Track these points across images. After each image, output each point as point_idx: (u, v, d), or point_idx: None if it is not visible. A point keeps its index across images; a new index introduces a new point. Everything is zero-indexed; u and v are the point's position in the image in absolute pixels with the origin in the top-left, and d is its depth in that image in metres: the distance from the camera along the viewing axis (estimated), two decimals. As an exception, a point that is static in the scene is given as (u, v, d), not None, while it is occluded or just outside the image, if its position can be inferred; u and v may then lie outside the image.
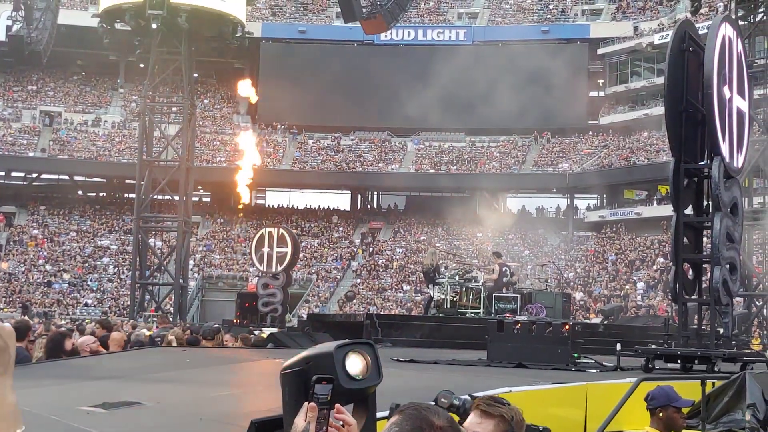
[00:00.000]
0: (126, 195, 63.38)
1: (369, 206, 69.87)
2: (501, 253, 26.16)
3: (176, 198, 44.69)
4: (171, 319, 40.20)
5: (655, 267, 51.64)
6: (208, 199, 68.51)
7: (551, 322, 13.40)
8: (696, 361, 10.96)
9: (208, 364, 11.51)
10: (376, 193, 70.11)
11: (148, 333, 19.22)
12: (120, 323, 25.40)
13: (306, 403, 2.70)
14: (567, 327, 12.91)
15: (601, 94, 67.62)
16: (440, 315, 22.18)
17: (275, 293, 40.60)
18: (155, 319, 34.31)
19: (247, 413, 7.10)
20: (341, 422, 2.70)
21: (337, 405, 2.72)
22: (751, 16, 34.23)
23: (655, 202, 57.70)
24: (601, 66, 66.01)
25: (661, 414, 6.78)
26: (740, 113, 12.04)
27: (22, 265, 57.76)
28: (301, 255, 50.32)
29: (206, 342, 15.59)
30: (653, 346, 11.82)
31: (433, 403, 2.67)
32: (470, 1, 72.45)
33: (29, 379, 9.60)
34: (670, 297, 13.37)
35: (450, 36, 67.96)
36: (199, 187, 61.32)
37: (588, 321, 33.29)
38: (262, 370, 9.89)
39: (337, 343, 3.00)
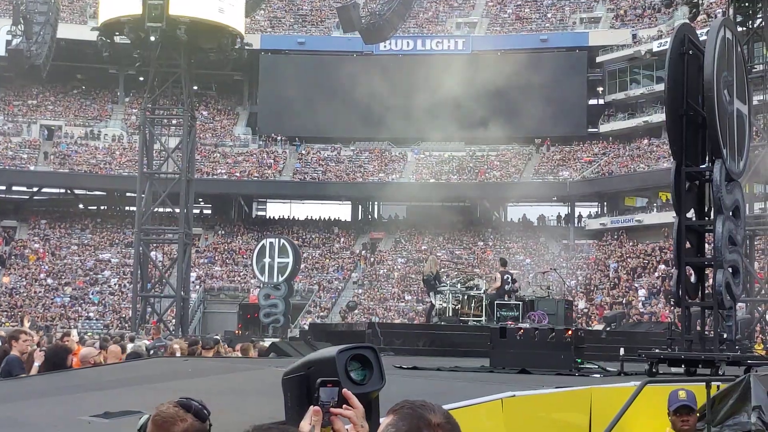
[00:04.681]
0: (127, 208, 63.37)
1: (370, 216, 69.83)
2: (506, 261, 26.08)
3: (177, 210, 44.63)
4: (171, 330, 40.17)
5: (656, 274, 51.55)
6: (209, 211, 68.52)
7: (554, 328, 13.35)
8: (700, 365, 10.91)
9: (209, 373, 11.46)
10: (376, 203, 70.06)
11: (145, 343, 19.21)
12: (119, 337, 25.37)
13: (311, 407, 2.65)
14: (570, 332, 12.86)
15: (601, 101, 67.64)
16: (442, 323, 22.10)
17: (277, 304, 40.64)
18: (151, 331, 34.23)
19: (250, 420, 7.04)
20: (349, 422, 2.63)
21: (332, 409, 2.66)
22: (750, 22, 34.28)
23: (656, 209, 57.65)
24: (600, 74, 66.01)
25: (670, 418, 6.81)
26: (740, 116, 12.01)
27: (23, 279, 57.70)
28: (302, 266, 50.30)
29: (205, 352, 15.66)
30: (657, 351, 11.76)
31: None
32: (469, 10, 72.55)
33: (30, 389, 9.57)
34: (673, 302, 13.32)
35: (449, 45, 68.03)
36: (200, 199, 61.33)
37: (590, 328, 33.19)
38: (264, 378, 9.84)
39: (339, 347, 2.96)
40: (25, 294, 56.12)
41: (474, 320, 22.16)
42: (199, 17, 44.97)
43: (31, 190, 66.67)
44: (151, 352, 17.50)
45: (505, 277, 23.06)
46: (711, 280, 11.76)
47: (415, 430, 2.45)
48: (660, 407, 7.92)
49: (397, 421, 2.48)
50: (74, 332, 21.51)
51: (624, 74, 64.68)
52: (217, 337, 21.76)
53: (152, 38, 43.27)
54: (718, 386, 8.52)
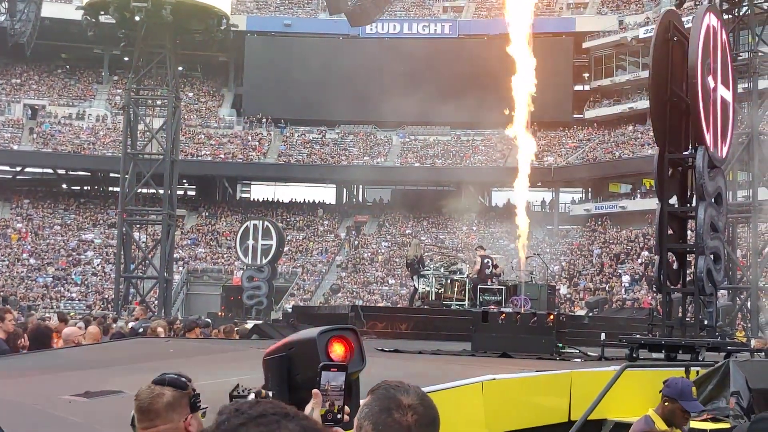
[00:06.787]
0: (110, 188, 63.16)
1: (354, 200, 69.81)
2: (484, 246, 26.13)
3: (161, 191, 44.47)
4: (154, 311, 40.08)
5: (639, 260, 51.72)
6: (193, 193, 68.36)
7: (536, 313, 13.39)
8: (680, 351, 10.97)
9: (191, 353, 11.46)
10: (361, 186, 70.01)
11: (130, 325, 19.16)
12: (102, 317, 25.30)
13: (314, 391, 2.68)
14: (552, 317, 12.91)
15: (586, 87, 67.70)
16: (425, 307, 22.13)
17: (260, 286, 40.65)
18: (133, 312, 34.11)
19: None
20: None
21: None
22: (735, 9, 34.26)
23: (640, 195, 57.81)
24: (586, 60, 66.08)
25: (666, 404, 6.60)
26: (724, 103, 12.04)
27: (5, 258, 57.47)
28: (286, 249, 50.26)
29: (189, 333, 15.66)
30: (637, 336, 11.82)
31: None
32: (456, -6, 72.40)
33: (12, 368, 9.54)
34: (654, 288, 13.37)
35: (435, 29, 67.89)
36: (184, 181, 61.15)
37: (573, 313, 33.31)
38: (246, 359, 9.85)
39: (320, 328, 2.98)
40: (7, 274, 55.89)
41: (457, 304, 22.20)
42: (184, -3, 44.72)
43: (14, 169, 66.32)
44: (140, 330, 17.44)
45: (485, 261, 23.07)
46: (693, 267, 11.80)
47: (385, 411, 2.46)
48: (639, 391, 7.97)
49: (371, 402, 2.51)
50: (54, 317, 21.37)
51: (610, 60, 64.79)
52: (207, 320, 21.72)
53: (137, 18, 42.99)
54: (697, 371, 8.58)
